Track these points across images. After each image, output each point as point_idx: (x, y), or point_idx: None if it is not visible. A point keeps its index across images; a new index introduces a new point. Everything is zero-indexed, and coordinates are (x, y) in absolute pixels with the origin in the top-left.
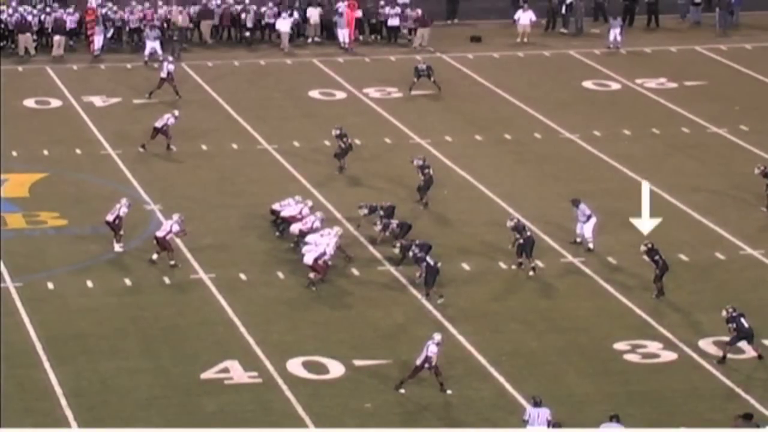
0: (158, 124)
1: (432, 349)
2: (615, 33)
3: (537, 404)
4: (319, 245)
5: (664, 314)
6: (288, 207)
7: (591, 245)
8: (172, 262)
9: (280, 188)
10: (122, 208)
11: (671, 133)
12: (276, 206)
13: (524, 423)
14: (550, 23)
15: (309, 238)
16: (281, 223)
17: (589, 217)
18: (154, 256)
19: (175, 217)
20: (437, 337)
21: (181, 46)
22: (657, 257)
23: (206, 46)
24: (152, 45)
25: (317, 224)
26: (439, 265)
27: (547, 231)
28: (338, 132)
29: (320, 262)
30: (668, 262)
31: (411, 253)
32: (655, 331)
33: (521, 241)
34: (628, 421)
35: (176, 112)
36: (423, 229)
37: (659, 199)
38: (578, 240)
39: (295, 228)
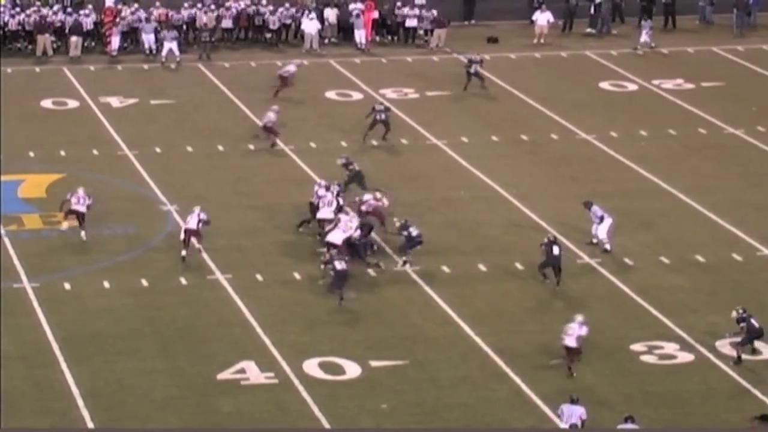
0: (264, 122)
1: (585, 330)
2: (646, 34)
3: (573, 401)
4: (346, 227)
5: (681, 315)
6: (324, 207)
7: (607, 246)
8: (200, 246)
9: (297, 189)
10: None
11: (688, 133)
12: (314, 200)
13: (559, 416)
14: (567, 24)
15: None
16: (310, 221)
17: (602, 219)
18: (184, 252)
19: (197, 209)
20: (580, 317)
21: (210, 46)
22: (748, 323)
23: (223, 47)
24: (169, 45)
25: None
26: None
27: (563, 232)
28: (344, 161)
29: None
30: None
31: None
32: (671, 332)
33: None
34: (644, 421)
35: (276, 107)
36: (438, 230)
37: (676, 200)
38: (594, 241)
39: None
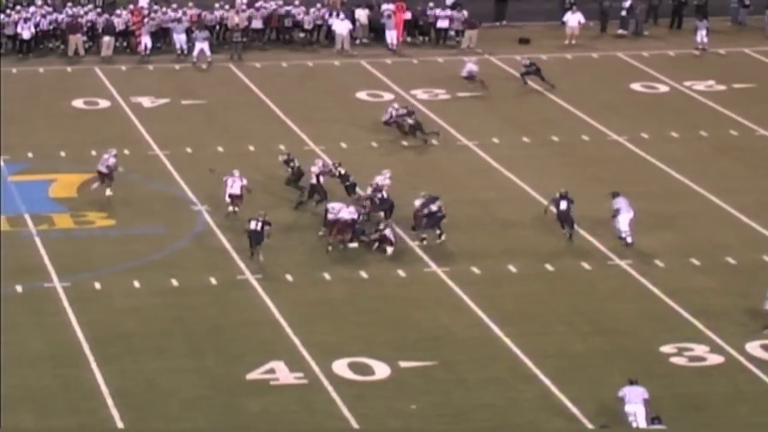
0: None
1: None
2: (702, 35)
3: (633, 383)
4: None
5: (711, 317)
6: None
7: (629, 239)
8: (237, 209)
9: (327, 189)
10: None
11: (719, 135)
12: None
13: (619, 400)
14: (604, 26)
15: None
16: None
17: (617, 212)
18: (231, 209)
19: (236, 172)
20: None
21: (241, 47)
22: None
23: (254, 48)
24: (201, 46)
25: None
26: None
27: (593, 233)
28: (285, 158)
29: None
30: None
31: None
32: (701, 334)
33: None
34: (672, 424)
35: (396, 105)
36: (468, 231)
37: (706, 202)
38: (624, 237)
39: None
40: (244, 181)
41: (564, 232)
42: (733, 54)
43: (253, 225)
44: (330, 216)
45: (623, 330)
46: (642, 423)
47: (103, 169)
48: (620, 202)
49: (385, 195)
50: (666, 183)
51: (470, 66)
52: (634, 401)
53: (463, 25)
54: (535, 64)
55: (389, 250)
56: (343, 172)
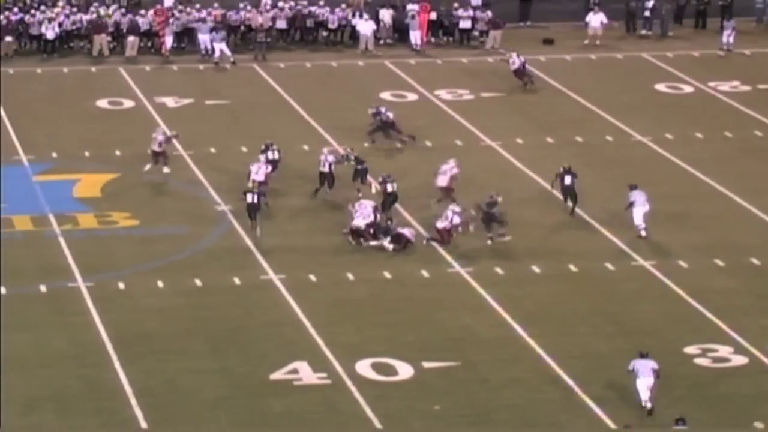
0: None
1: None
2: (727, 35)
3: (643, 356)
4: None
5: (735, 318)
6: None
7: (643, 233)
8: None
9: (351, 189)
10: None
11: (743, 136)
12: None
13: (630, 373)
14: (631, 27)
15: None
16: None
17: (631, 204)
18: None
19: (263, 158)
20: None
21: (266, 47)
22: None
23: (278, 48)
24: (219, 46)
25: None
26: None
27: (617, 234)
28: (265, 146)
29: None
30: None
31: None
32: (725, 335)
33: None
34: (696, 425)
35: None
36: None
37: (730, 203)
38: (643, 235)
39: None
40: (269, 168)
41: (567, 206)
42: (758, 54)
43: (249, 198)
44: (352, 223)
45: (647, 331)
46: (647, 394)
47: (157, 148)
48: (635, 195)
49: (394, 188)
50: (690, 184)
51: (516, 59)
52: (645, 374)
53: (487, 25)
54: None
55: (390, 247)
56: (355, 155)
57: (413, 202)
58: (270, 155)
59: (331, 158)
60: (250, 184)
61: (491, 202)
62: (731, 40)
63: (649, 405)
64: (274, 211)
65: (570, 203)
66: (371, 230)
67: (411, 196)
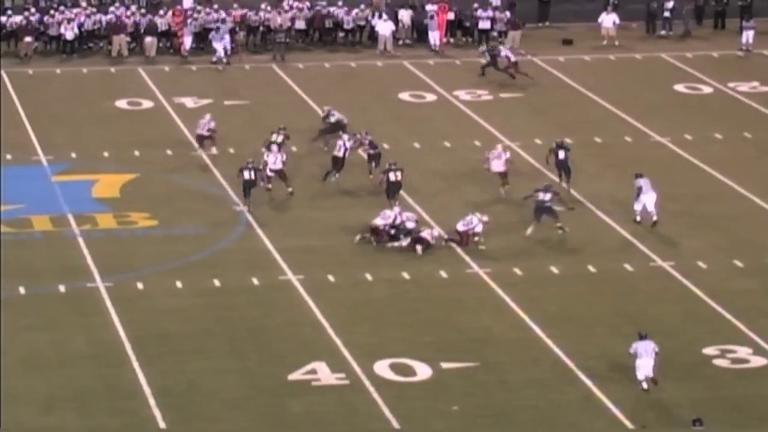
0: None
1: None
2: (748, 35)
3: (643, 337)
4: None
5: (754, 319)
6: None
7: (655, 217)
8: (290, 189)
9: (370, 191)
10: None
11: (763, 136)
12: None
13: (631, 356)
14: (651, 27)
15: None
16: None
17: (639, 191)
18: (270, 186)
19: (275, 147)
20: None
21: (284, 47)
22: None
23: (297, 48)
24: (216, 46)
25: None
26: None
27: (636, 234)
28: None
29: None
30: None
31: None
32: (744, 336)
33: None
34: (715, 426)
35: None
36: (510, 232)
37: (749, 203)
38: (638, 219)
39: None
40: (285, 157)
41: (561, 182)
42: None
43: (247, 175)
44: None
45: (666, 332)
46: (648, 373)
47: (204, 132)
48: (641, 182)
49: (397, 177)
50: (709, 184)
51: (505, 51)
52: (645, 356)
53: (506, 25)
54: (494, 54)
55: (419, 249)
56: (369, 140)
57: (433, 202)
58: (274, 137)
59: (349, 143)
60: (268, 172)
61: (546, 191)
62: (751, 40)
63: (645, 385)
64: (292, 211)
65: (564, 178)
66: (391, 231)
67: (434, 196)
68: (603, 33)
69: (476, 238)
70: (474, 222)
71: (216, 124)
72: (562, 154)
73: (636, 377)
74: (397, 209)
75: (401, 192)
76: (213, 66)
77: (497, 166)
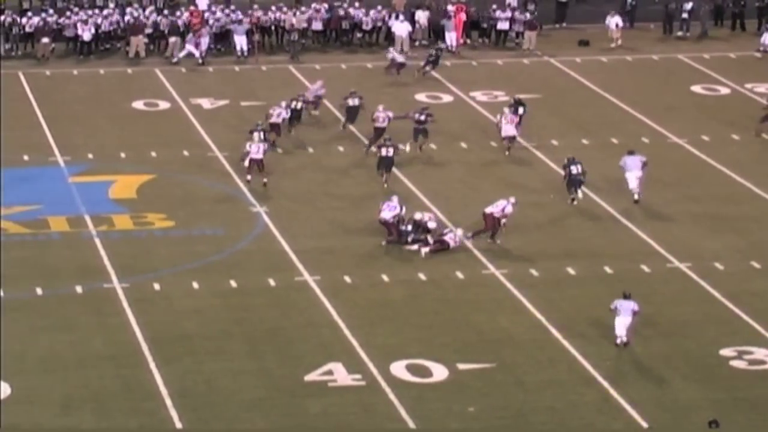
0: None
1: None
2: (766, 36)
3: (626, 297)
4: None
5: None
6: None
7: (636, 196)
8: (265, 180)
9: (386, 191)
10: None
11: None
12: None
13: (611, 311)
14: (667, 28)
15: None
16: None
17: (623, 168)
18: (249, 177)
19: (256, 136)
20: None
21: (300, 47)
22: None
23: (313, 49)
24: (189, 48)
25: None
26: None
27: (653, 235)
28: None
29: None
30: None
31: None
32: (762, 337)
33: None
34: (733, 427)
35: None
36: (527, 233)
37: (766, 205)
38: (636, 198)
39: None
40: (266, 146)
41: (572, 197)
42: None
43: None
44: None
45: (683, 333)
46: (621, 333)
47: (276, 120)
48: (629, 160)
49: (389, 153)
50: (727, 186)
51: (395, 55)
52: (624, 313)
53: (523, 26)
54: (436, 54)
55: (424, 250)
56: (426, 111)
57: (449, 203)
58: (294, 104)
59: (390, 114)
60: (246, 163)
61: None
62: None
63: (619, 341)
64: (309, 212)
65: (573, 193)
66: (407, 229)
67: (450, 197)
68: (609, 35)
69: (504, 221)
70: (503, 205)
71: (284, 113)
72: (575, 170)
73: (613, 334)
74: (396, 198)
75: (394, 169)
76: (230, 66)
77: (508, 130)
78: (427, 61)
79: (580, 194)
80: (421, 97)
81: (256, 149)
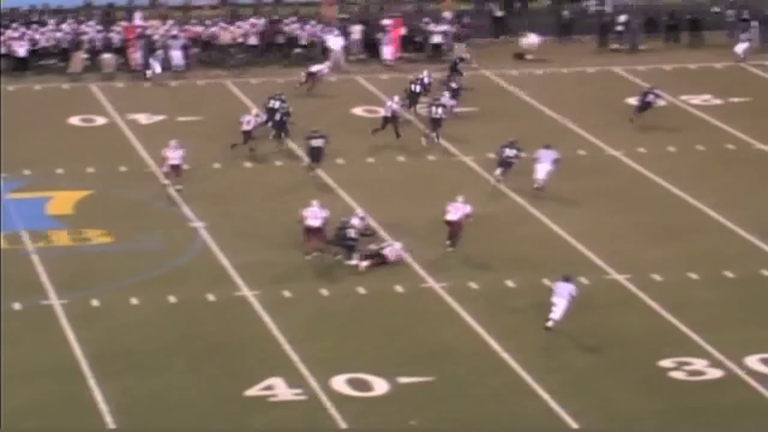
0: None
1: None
2: (743, 46)
3: (566, 280)
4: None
5: (710, 331)
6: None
7: (537, 185)
8: (180, 187)
9: (327, 205)
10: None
11: (716, 149)
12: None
13: (550, 291)
14: (602, 40)
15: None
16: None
17: (536, 160)
18: (167, 182)
19: (172, 143)
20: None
21: (238, 63)
22: None
23: (250, 64)
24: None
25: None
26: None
27: (592, 247)
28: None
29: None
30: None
31: None
32: (700, 348)
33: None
34: None
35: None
36: (469, 246)
37: (704, 216)
38: (536, 186)
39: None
40: (184, 152)
41: (496, 175)
42: (730, 68)
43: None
44: (305, 223)
45: (624, 344)
46: (560, 315)
47: (247, 128)
48: (542, 153)
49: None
50: (664, 197)
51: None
52: (560, 295)
53: (454, 37)
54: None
55: (362, 264)
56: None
57: (391, 216)
58: (271, 103)
59: (396, 105)
60: (164, 169)
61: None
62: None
63: (549, 324)
64: (248, 227)
65: (500, 172)
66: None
67: (391, 216)
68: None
69: (470, 219)
70: (459, 207)
71: (254, 121)
72: (510, 153)
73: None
74: (316, 202)
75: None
76: (163, 82)
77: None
78: (450, 73)
79: (498, 172)
80: (357, 110)
81: (172, 154)
